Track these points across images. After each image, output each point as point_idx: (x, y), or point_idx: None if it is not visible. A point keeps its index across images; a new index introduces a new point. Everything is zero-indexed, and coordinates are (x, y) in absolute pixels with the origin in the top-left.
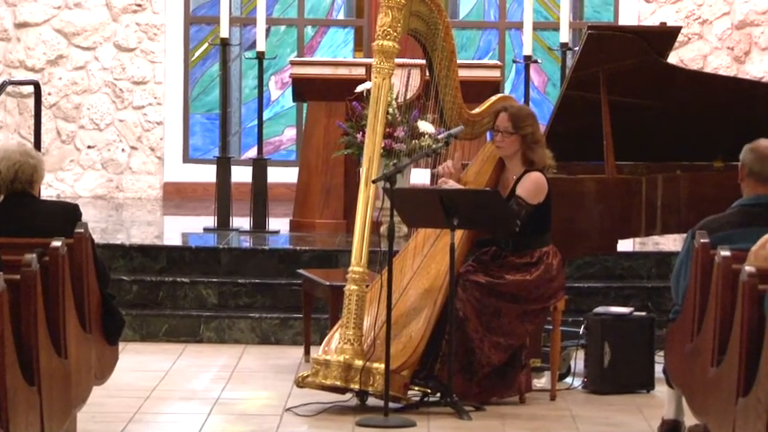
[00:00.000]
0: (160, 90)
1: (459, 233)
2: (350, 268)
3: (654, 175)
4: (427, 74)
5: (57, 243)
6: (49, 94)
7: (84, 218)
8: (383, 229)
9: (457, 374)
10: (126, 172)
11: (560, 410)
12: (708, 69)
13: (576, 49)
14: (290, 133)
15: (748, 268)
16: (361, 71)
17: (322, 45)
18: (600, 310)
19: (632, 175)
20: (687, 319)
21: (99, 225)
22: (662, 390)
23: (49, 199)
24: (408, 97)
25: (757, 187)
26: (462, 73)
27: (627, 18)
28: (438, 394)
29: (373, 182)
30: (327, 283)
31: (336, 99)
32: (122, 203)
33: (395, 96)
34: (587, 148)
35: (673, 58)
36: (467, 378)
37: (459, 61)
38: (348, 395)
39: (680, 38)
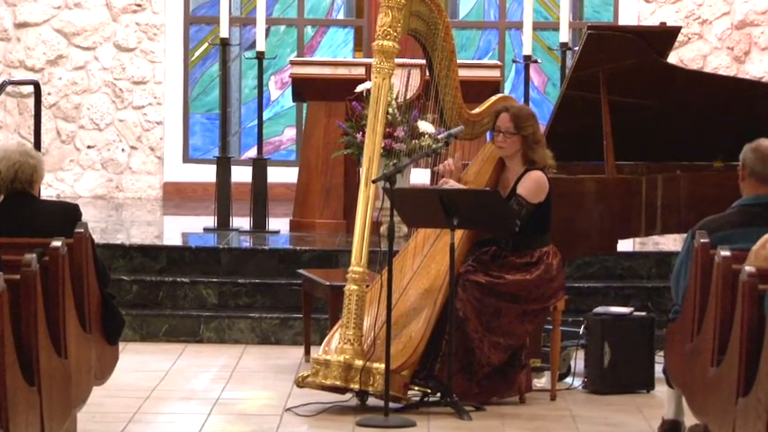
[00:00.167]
0: (160, 90)
1: (459, 233)
2: (350, 268)
3: (654, 175)
4: (427, 74)
5: (57, 243)
6: (49, 94)
7: (84, 218)
8: (383, 229)
9: (457, 374)
10: (126, 172)
11: (560, 410)
12: (707, 69)
13: (576, 49)
14: (290, 133)
15: (748, 268)
16: (360, 71)
17: (322, 45)
18: (600, 310)
19: (632, 175)
20: (687, 319)
21: (99, 225)
22: (662, 390)
23: (48, 199)
24: (408, 97)
25: (758, 187)
26: (462, 73)
27: (627, 18)
28: (438, 394)
29: (373, 182)
30: (327, 283)
31: (336, 99)
32: (122, 203)
33: (395, 96)
34: (587, 147)
35: (672, 58)
36: (467, 378)
37: (459, 61)
38: (348, 395)
39: (680, 38)
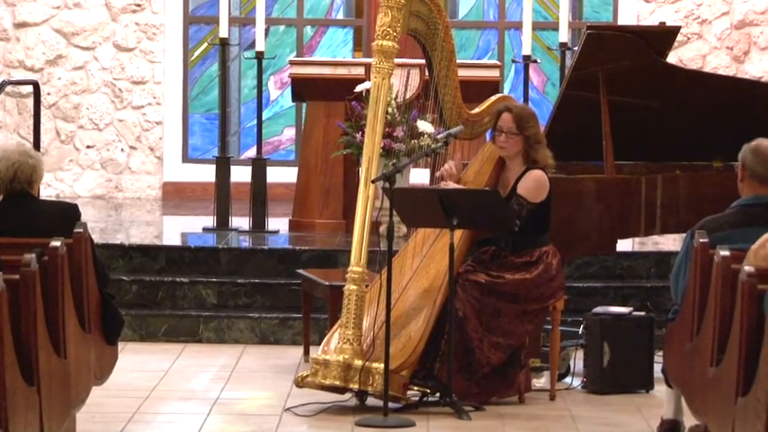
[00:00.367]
0: (159, 90)
1: (458, 233)
2: (349, 268)
3: (653, 174)
4: (426, 74)
5: (56, 243)
6: (49, 93)
7: (84, 218)
8: (382, 228)
9: (456, 374)
10: (125, 172)
11: (560, 410)
12: (707, 69)
13: (576, 48)
14: (290, 133)
15: (747, 268)
16: (360, 71)
17: (321, 45)
18: (599, 309)
19: (631, 174)
20: (686, 318)
21: (98, 225)
22: (661, 389)
23: (48, 199)
24: (408, 97)
25: (757, 188)
26: (462, 73)
27: (626, 18)
28: (437, 394)
29: (372, 182)
30: (327, 283)
31: (336, 99)
32: (121, 203)
33: (394, 96)
34: (586, 147)
35: (672, 58)
36: (466, 378)
37: (458, 61)
38: (347, 395)
39: (679, 38)
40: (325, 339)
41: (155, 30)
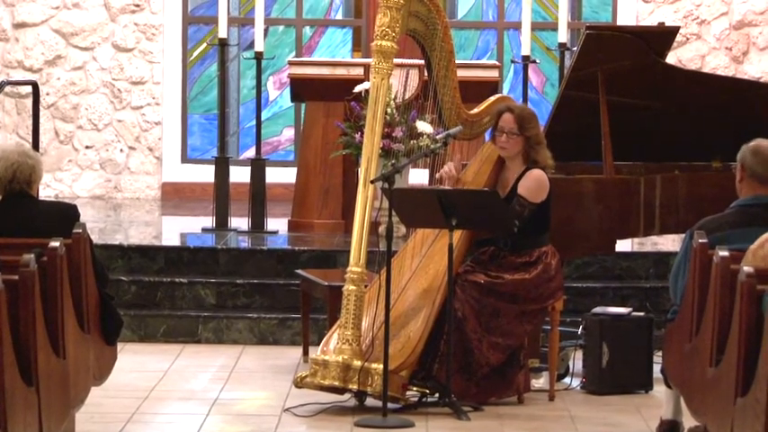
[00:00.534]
0: (158, 90)
1: (457, 233)
2: (348, 268)
3: (652, 175)
4: (426, 74)
5: (55, 243)
6: (48, 94)
7: (83, 218)
8: (382, 229)
9: (455, 374)
10: (124, 172)
11: (559, 411)
12: (706, 69)
13: (575, 49)
14: (289, 133)
15: (746, 268)
16: (359, 71)
17: (320, 45)
18: (598, 310)
19: (631, 175)
20: (685, 319)
21: (97, 225)
22: (660, 390)
23: (47, 199)
24: (407, 97)
25: (757, 188)
26: (461, 73)
27: (625, 18)
28: (436, 394)
29: (372, 182)
30: (326, 284)
31: (335, 99)
32: (120, 204)
33: (393, 96)
34: (586, 148)
35: (671, 59)
36: (465, 378)
37: (457, 61)
38: (346, 395)
39: (678, 38)
40: (324, 340)
41: (154, 30)
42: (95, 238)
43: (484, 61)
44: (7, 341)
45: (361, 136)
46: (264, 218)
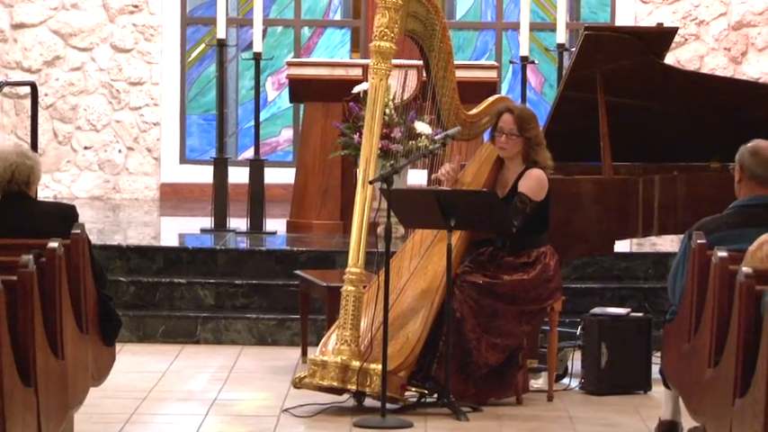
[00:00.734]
0: (157, 91)
1: (456, 234)
2: (347, 269)
3: (651, 175)
4: (424, 75)
5: (53, 244)
6: (46, 94)
7: (81, 219)
8: (380, 229)
9: (454, 375)
10: (123, 173)
11: (557, 411)
12: (704, 70)
13: (573, 49)
14: (287, 134)
15: (745, 269)
16: (358, 72)
17: (319, 46)
18: (597, 310)
19: (629, 175)
20: (684, 319)
21: (96, 226)
22: (659, 390)
23: (45, 200)
24: (405, 98)
25: (756, 189)
26: (459, 74)
27: (624, 19)
28: (435, 395)
29: (370, 183)
30: (324, 284)
31: (333, 100)
32: (119, 204)
33: (392, 97)
34: (584, 148)
35: (669, 59)
36: (464, 379)
37: (456, 62)
38: (345, 396)
39: (677, 38)
40: (323, 340)
41: (152, 31)
42: (94, 239)
43: (482, 62)
44: (6, 342)
45: (360, 137)
46: (263, 218)
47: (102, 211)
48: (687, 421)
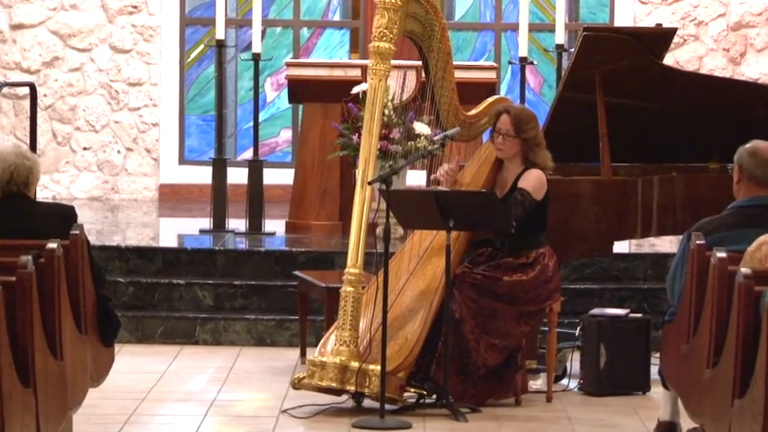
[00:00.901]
0: (156, 92)
1: (455, 234)
2: (346, 270)
3: (650, 176)
4: (423, 75)
5: (52, 245)
6: (45, 95)
7: (80, 219)
8: (379, 230)
9: (453, 376)
10: (122, 173)
11: (556, 412)
12: (703, 71)
13: (572, 50)
14: (286, 135)
15: (744, 270)
16: (357, 72)
17: (318, 46)
18: (596, 311)
19: (628, 176)
20: (683, 320)
21: (95, 227)
22: (658, 391)
23: (44, 201)
24: (404, 99)
25: (755, 189)
26: (458, 74)
27: (623, 19)
28: (434, 396)
29: (369, 183)
30: (323, 285)
31: (332, 100)
32: (118, 205)
33: (391, 98)
34: (583, 149)
35: (668, 60)
36: (462, 379)
37: (455, 63)
38: (344, 397)
39: (676, 39)
40: (322, 341)
41: (151, 31)
42: (93, 240)
43: (481, 62)
44: (5, 342)
45: (359, 137)
46: (262, 219)
47: (100, 212)
48: (686, 422)
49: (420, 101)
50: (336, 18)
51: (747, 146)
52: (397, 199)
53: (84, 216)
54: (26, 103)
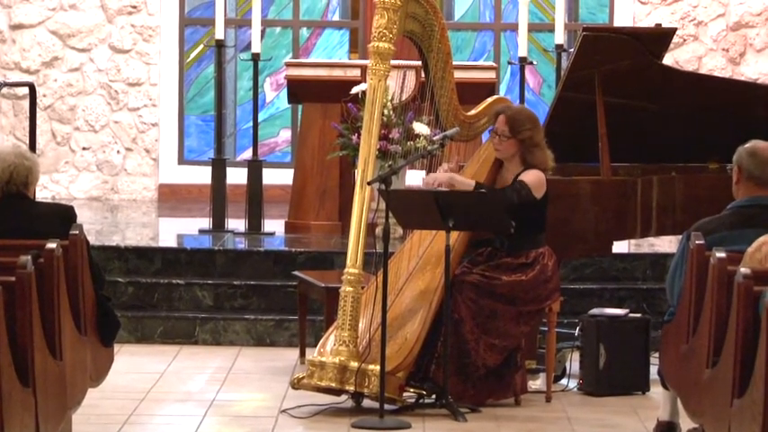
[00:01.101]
0: (155, 92)
1: (454, 234)
2: (345, 270)
3: (649, 176)
4: (423, 75)
5: (52, 245)
6: (44, 95)
7: (79, 219)
8: (379, 230)
9: (452, 376)
10: (121, 173)
11: (556, 412)
12: (703, 71)
13: (572, 50)
14: (286, 135)
15: (743, 270)
16: (356, 73)
17: (317, 46)
18: (595, 311)
19: (627, 176)
20: (682, 320)
21: (94, 227)
22: (657, 391)
23: (44, 201)
24: (404, 99)
25: (754, 190)
26: (458, 75)
27: (622, 19)
28: (433, 396)
29: (369, 183)
30: (323, 285)
31: (332, 101)
32: (117, 205)
33: (390, 98)
34: (583, 149)
35: (668, 60)
36: (462, 380)
37: (454, 63)
38: (343, 397)
39: (675, 39)
40: (321, 341)
41: (150, 32)
42: (92, 240)
43: (481, 63)
44: (4, 343)
45: (359, 137)
46: (261, 219)
47: (100, 212)
48: (685, 422)
49: (419, 101)
50: (336, 18)
51: (746, 146)
52: (397, 199)
53: (83, 216)
54: (25, 104)
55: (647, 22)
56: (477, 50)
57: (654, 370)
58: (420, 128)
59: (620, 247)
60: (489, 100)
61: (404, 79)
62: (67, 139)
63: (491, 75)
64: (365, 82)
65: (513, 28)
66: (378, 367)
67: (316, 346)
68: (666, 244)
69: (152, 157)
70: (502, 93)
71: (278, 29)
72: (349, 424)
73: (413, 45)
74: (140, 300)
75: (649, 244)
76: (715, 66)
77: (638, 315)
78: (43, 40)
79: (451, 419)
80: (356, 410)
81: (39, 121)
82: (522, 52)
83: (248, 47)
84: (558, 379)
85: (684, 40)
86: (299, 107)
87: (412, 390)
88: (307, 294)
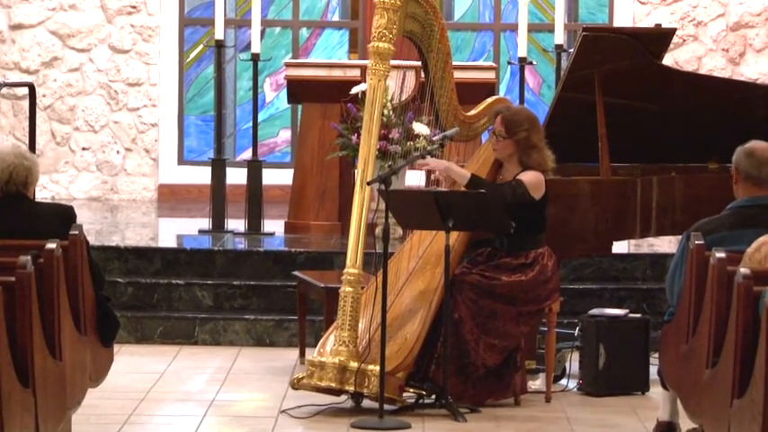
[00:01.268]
0: (155, 92)
1: (454, 234)
2: (345, 270)
3: (649, 176)
4: (422, 76)
5: (51, 245)
6: (44, 95)
7: (79, 220)
8: (378, 230)
9: (452, 376)
10: (121, 174)
11: (555, 412)
12: (702, 71)
13: (571, 50)
14: (285, 135)
15: (743, 270)
16: (356, 73)
17: (317, 47)
18: (595, 311)
19: (627, 176)
20: (682, 320)
21: (94, 227)
22: (657, 391)
23: (43, 201)
24: (403, 99)
25: (752, 190)
26: (457, 75)
27: (622, 20)
28: (433, 396)
29: (368, 183)
30: (322, 285)
31: (331, 101)
32: (117, 205)
33: (390, 98)
34: (582, 149)
35: (667, 60)
36: (461, 380)
37: (454, 63)
38: (343, 397)
39: (675, 39)
40: (321, 341)
41: (150, 32)
42: (92, 240)
43: (481, 63)
44: (4, 343)
45: (358, 137)
46: (261, 219)
47: (100, 212)
48: (685, 422)
49: (419, 101)
50: (335, 18)
51: (745, 146)
52: (397, 199)
53: (83, 216)
54: (25, 104)
55: (646, 22)
56: (476, 51)
57: (653, 370)
58: (420, 128)
59: (619, 247)
60: (489, 100)
61: (403, 79)
62: (67, 139)
63: (491, 75)
64: (365, 82)
65: (513, 28)
66: (377, 367)
67: (315, 346)
68: (666, 244)
69: (152, 158)
70: (501, 93)
71: (278, 29)
72: (349, 424)
73: (413, 45)
74: (140, 300)
75: (649, 244)
76: (715, 66)
77: (638, 315)
78: (43, 41)
79: (451, 420)
80: (356, 411)
81: (38, 122)
82: (522, 52)
83: (248, 47)
84: (557, 379)
85: (684, 41)
86: (299, 107)
87: (412, 390)
88: (306, 294)
